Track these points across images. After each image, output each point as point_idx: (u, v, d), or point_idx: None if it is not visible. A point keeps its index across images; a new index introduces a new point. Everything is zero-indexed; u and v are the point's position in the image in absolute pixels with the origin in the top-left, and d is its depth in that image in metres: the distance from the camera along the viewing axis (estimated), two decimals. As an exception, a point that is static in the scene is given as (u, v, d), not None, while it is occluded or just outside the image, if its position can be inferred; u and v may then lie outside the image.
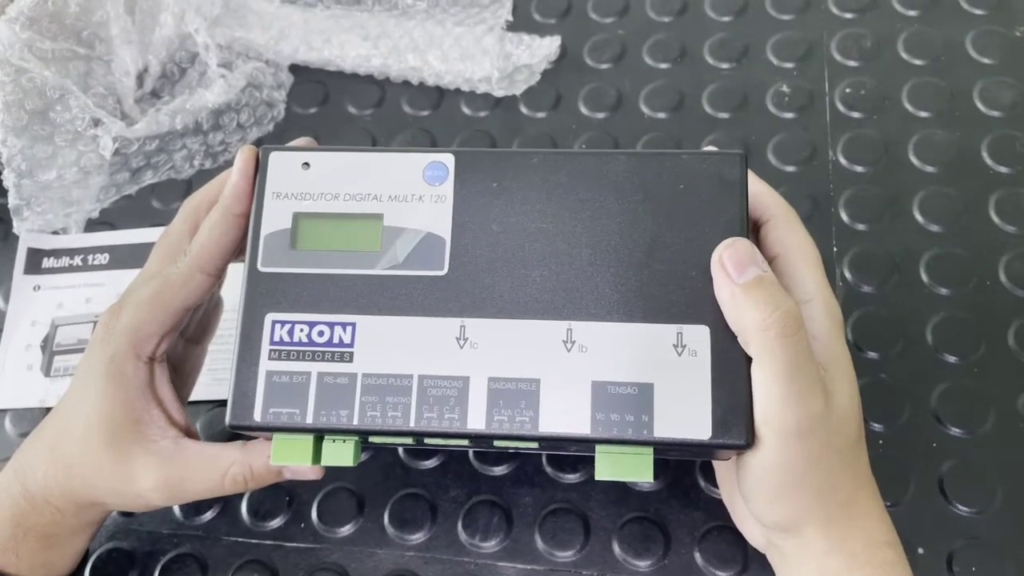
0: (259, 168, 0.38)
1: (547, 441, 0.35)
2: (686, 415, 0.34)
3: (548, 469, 0.45)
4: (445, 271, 0.36)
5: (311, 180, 0.37)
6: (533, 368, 0.35)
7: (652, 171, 0.36)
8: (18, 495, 0.39)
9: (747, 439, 0.33)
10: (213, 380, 0.50)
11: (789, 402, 0.32)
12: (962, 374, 0.45)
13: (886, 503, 0.42)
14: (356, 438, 0.36)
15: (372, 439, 0.37)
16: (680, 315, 0.35)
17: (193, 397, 0.49)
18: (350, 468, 0.46)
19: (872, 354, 0.46)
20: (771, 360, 0.32)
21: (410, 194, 0.37)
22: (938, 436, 0.44)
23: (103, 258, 0.54)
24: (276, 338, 0.36)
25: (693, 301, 0.35)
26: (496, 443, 0.36)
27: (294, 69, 0.60)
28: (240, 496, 0.46)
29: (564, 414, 0.34)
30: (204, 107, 0.56)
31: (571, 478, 0.45)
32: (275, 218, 0.37)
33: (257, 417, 0.35)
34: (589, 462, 0.45)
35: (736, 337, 0.34)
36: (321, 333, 0.36)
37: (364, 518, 0.45)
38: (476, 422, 0.34)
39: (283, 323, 0.36)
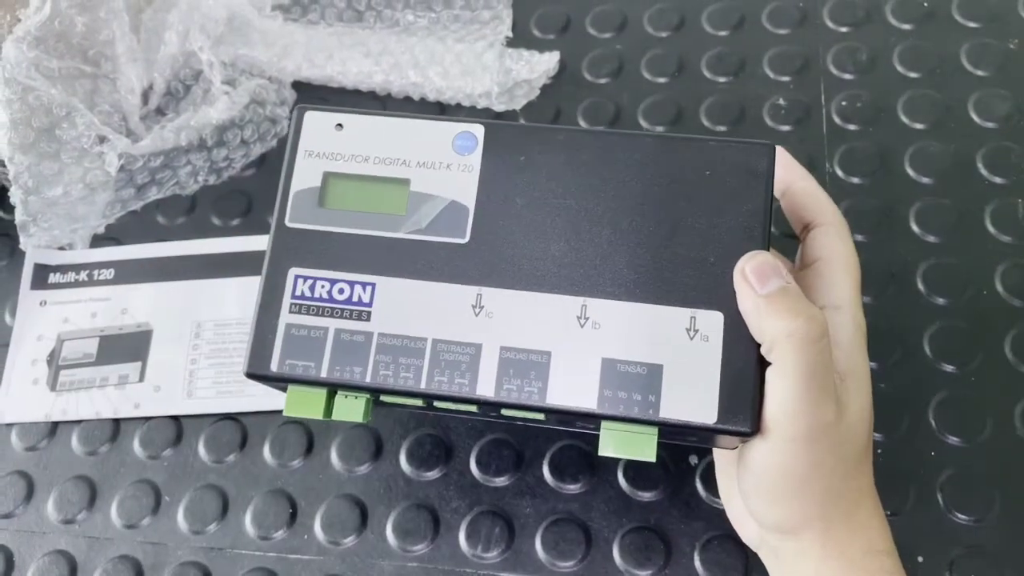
0: (293, 126, 0.39)
1: (553, 413, 0.35)
2: (693, 398, 0.34)
3: (549, 479, 0.46)
4: (467, 239, 0.37)
5: (343, 141, 0.38)
6: (545, 340, 0.35)
7: (679, 155, 0.36)
8: None
9: (752, 426, 0.33)
10: (218, 393, 0.50)
11: (802, 408, 0.32)
12: (960, 383, 0.45)
13: (886, 512, 0.42)
14: (368, 395, 0.37)
15: (383, 398, 0.37)
16: (695, 299, 0.35)
17: (197, 411, 0.50)
18: (354, 480, 0.47)
19: (870, 364, 0.46)
20: (790, 365, 0.32)
21: (438, 162, 0.38)
22: (937, 445, 0.44)
23: (108, 273, 0.55)
24: (298, 292, 0.37)
25: (709, 287, 0.35)
26: (504, 411, 0.36)
27: (297, 86, 0.61)
28: (244, 509, 0.47)
29: (572, 388, 0.35)
30: (208, 124, 0.57)
31: (572, 488, 0.45)
32: (306, 176, 0.38)
33: (273, 367, 0.36)
34: (589, 472, 0.45)
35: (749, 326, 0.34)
36: (341, 291, 0.37)
37: (367, 529, 0.46)
38: (486, 389, 0.35)
39: (305, 278, 0.37)
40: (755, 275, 0.33)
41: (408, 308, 0.36)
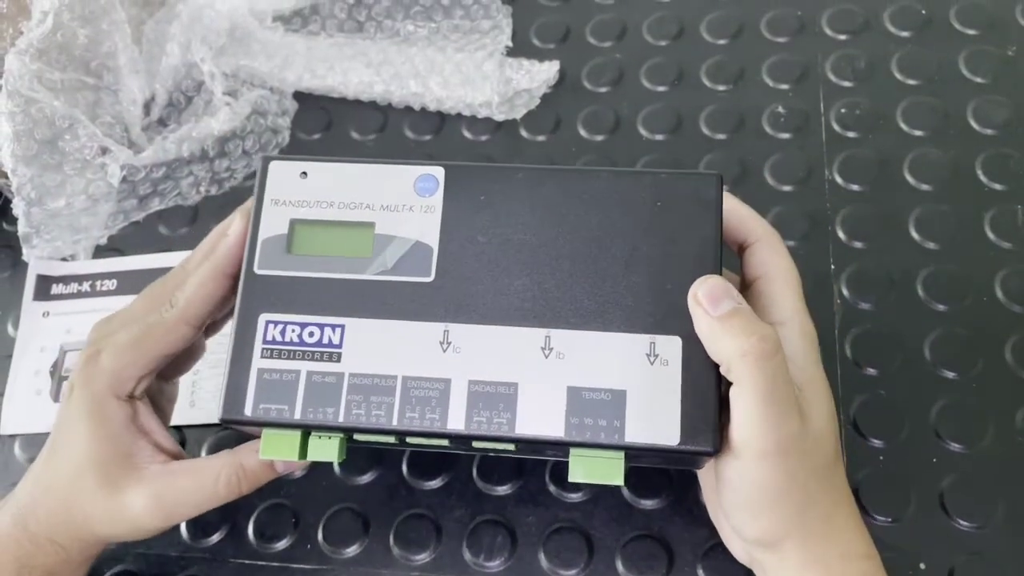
0: (259, 176, 0.40)
1: (523, 443, 0.36)
2: (656, 421, 0.35)
3: (551, 488, 0.46)
4: (432, 278, 0.38)
5: (308, 188, 0.39)
6: (512, 372, 0.36)
7: (632, 188, 0.38)
8: (21, 537, 0.39)
9: (714, 446, 0.34)
10: (220, 403, 0.50)
11: (767, 423, 0.33)
12: (961, 390, 0.45)
13: (887, 519, 0.43)
14: (341, 435, 0.38)
15: (357, 437, 0.38)
16: (654, 326, 0.36)
17: (202, 421, 0.50)
18: (356, 489, 0.47)
19: (871, 371, 0.46)
20: (750, 383, 0.33)
21: (401, 204, 0.39)
22: (938, 452, 0.44)
23: (111, 284, 0.55)
24: (269, 337, 0.38)
25: (667, 313, 0.36)
26: (475, 444, 0.37)
27: (298, 96, 0.61)
28: (247, 518, 0.47)
29: (540, 417, 0.36)
30: (210, 134, 0.57)
31: (574, 497, 0.45)
32: (273, 223, 0.39)
33: (248, 412, 0.37)
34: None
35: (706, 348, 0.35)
36: (312, 334, 0.37)
37: (369, 539, 0.46)
38: (456, 423, 0.36)
39: (276, 323, 0.38)
40: (707, 298, 0.34)
41: (377, 347, 0.37)
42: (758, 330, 0.33)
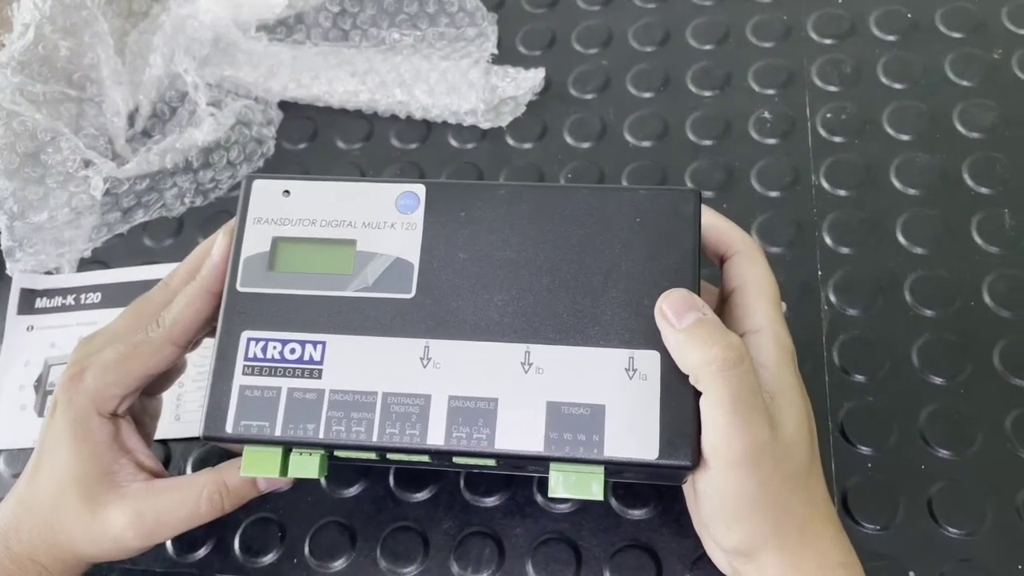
0: (242, 194, 0.40)
1: (503, 458, 0.36)
2: (635, 436, 0.35)
3: (539, 499, 0.45)
4: (412, 294, 0.38)
5: (291, 207, 0.40)
6: (492, 388, 0.36)
7: (611, 204, 0.38)
8: (3, 558, 0.39)
9: (692, 460, 0.34)
10: (205, 416, 0.50)
11: (734, 431, 0.33)
12: (949, 395, 0.45)
13: (875, 527, 0.42)
14: (322, 451, 0.38)
15: (337, 453, 0.38)
16: (632, 340, 0.36)
17: (185, 434, 0.50)
18: (343, 502, 0.47)
19: (859, 377, 0.46)
20: (715, 392, 0.33)
21: (383, 221, 0.39)
22: (926, 458, 0.44)
23: (96, 297, 0.55)
24: (250, 354, 0.38)
25: (645, 328, 0.36)
26: (455, 459, 0.37)
27: (283, 105, 0.61)
28: (233, 532, 0.46)
29: (520, 432, 0.36)
30: (194, 145, 0.57)
31: (562, 508, 0.45)
32: (255, 241, 0.39)
33: (229, 429, 0.37)
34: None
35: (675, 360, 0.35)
36: (293, 351, 0.38)
37: (356, 552, 0.45)
38: (436, 438, 0.36)
39: (257, 340, 0.38)
40: (672, 311, 0.35)
41: (358, 364, 0.37)
42: (722, 339, 0.33)
